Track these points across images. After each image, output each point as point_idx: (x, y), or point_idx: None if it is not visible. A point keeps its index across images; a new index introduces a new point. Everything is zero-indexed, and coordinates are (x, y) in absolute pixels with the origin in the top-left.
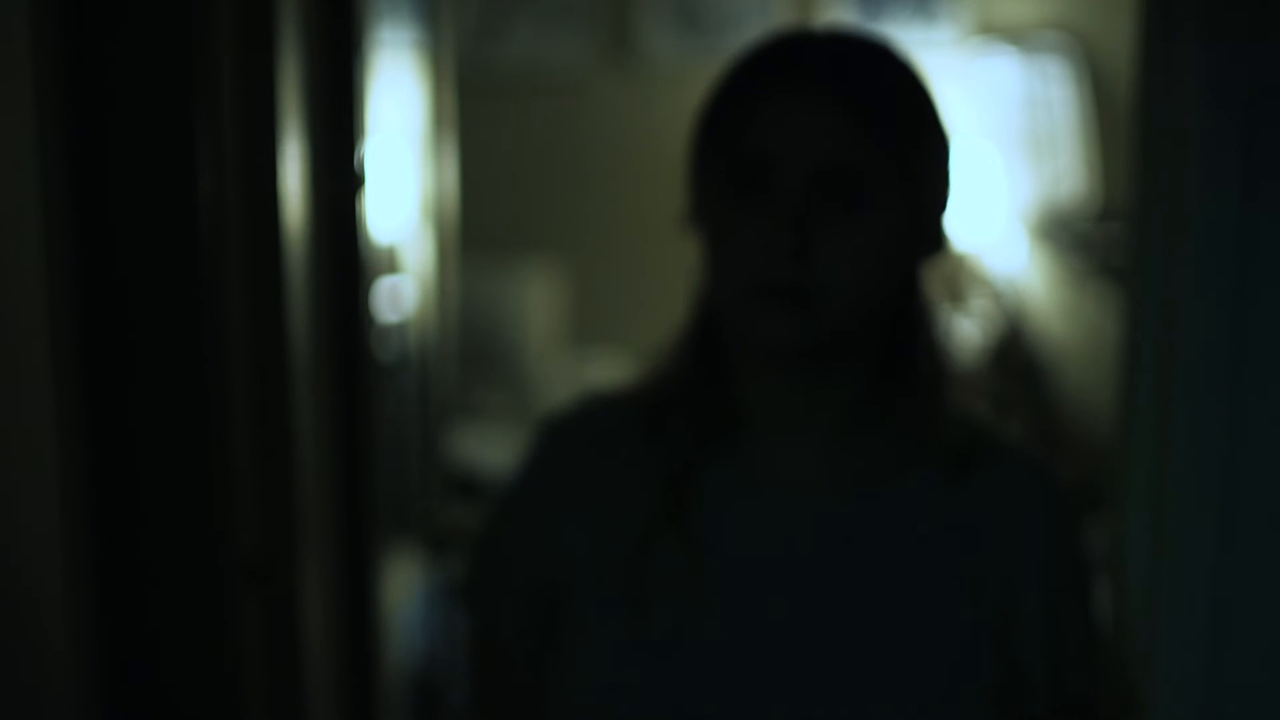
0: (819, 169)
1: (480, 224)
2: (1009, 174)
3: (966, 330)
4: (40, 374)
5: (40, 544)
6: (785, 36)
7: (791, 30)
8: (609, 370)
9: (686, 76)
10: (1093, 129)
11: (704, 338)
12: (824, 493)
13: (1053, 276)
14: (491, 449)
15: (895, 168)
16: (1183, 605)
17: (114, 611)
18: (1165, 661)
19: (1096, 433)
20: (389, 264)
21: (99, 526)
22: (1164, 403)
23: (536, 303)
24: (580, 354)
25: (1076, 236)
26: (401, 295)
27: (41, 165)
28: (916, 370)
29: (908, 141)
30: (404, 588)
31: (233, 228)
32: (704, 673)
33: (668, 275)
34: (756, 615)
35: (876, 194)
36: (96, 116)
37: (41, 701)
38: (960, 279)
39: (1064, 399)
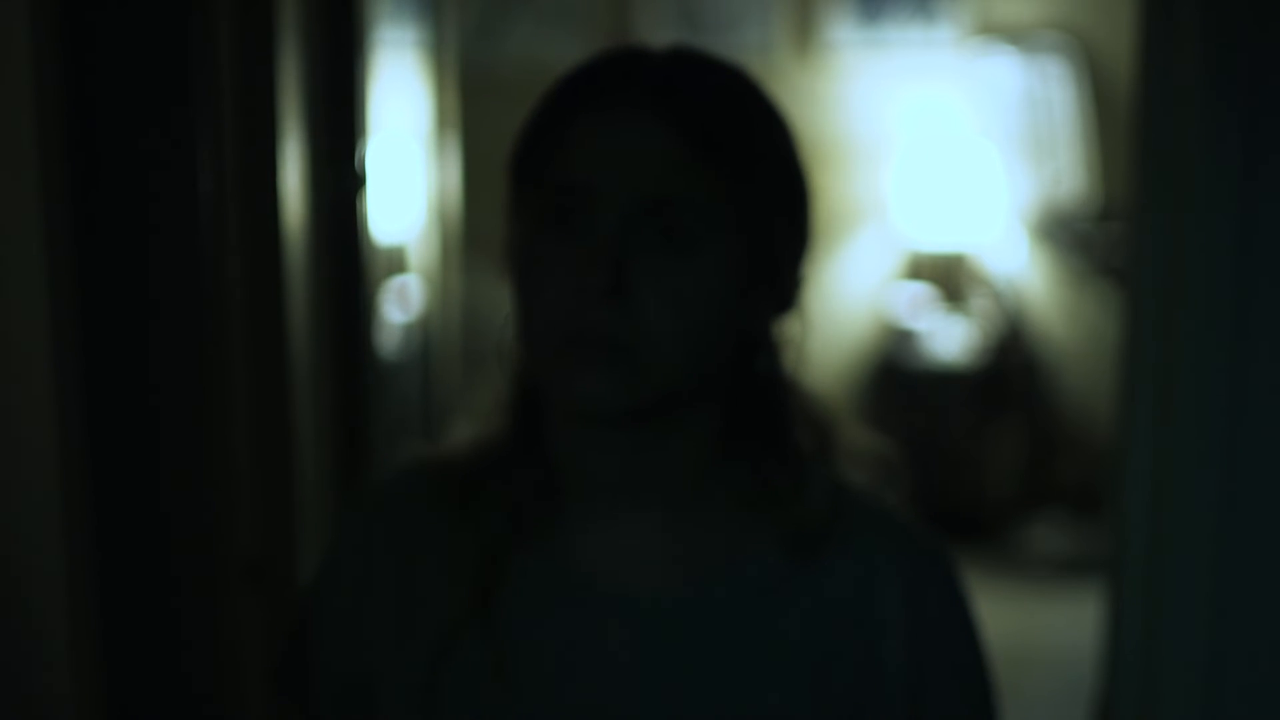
0: (641, 200)
1: (482, 224)
2: (1009, 174)
3: (965, 331)
4: (41, 373)
5: (41, 544)
6: (612, 52)
7: (622, 47)
8: None
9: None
10: (1093, 129)
11: (522, 398)
12: (656, 579)
13: (1053, 276)
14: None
15: (734, 204)
16: (1183, 605)
17: (115, 611)
18: (1165, 662)
19: (1096, 433)
20: (397, 264)
21: (99, 526)
22: (1164, 403)
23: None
24: None
25: (1076, 236)
26: (410, 295)
27: (41, 165)
28: (764, 437)
29: (749, 174)
30: None
31: (233, 228)
32: None
33: None
34: None
35: (711, 232)
36: (96, 116)
37: (43, 700)
38: (960, 279)
39: (1064, 399)
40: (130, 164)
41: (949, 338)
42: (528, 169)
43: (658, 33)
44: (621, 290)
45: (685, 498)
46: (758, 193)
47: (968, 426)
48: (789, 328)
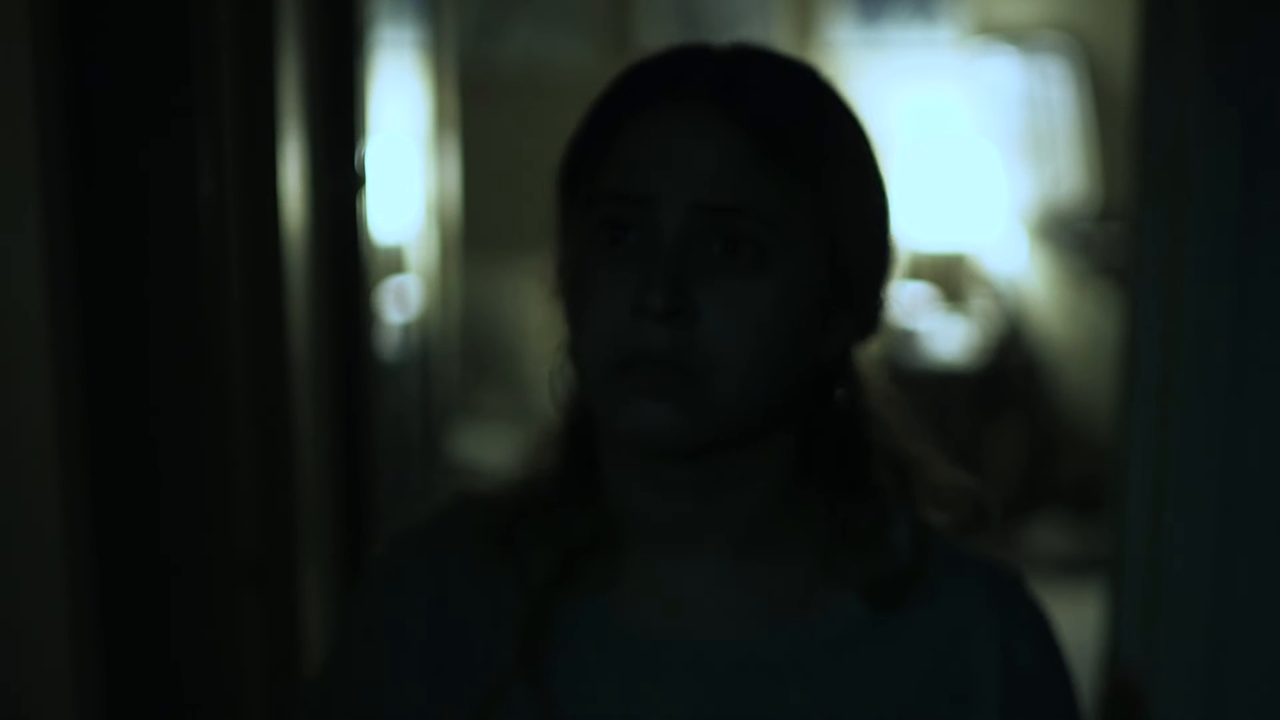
0: (705, 208)
1: (481, 224)
2: (1009, 174)
3: (965, 331)
4: (41, 374)
5: (40, 544)
6: (672, 49)
7: (680, 44)
8: None
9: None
10: (1093, 129)
11: (575, 432)
12: (722, 630)
13: (1053, 276)
14: (492, 449)
15: (811, 213)
16: (1183, 605)
17: (115, 611)
18: (1165, 661)
19: (1096, 433)
20: (395, 264)
21: (99, 526)
22: (1164, 403)
23: (537, 303)
24: None
25: (1076, 236)
26: (408, 295)
27: (42, 166)
28: (842, 476)
29: (827, 180)
30: None
31: (233, 228)
32: None
33: None
34: None
35: (784, 246)
36: (96, 117)
37: (43, 701)
38: (960, 279)
39: (1064, 399)
40: (130, 165)
41: (949, 338)
42: (578, 179)
43: (658, 33)
44: (683, 309)
45: (754, 542)
46: (836, 201)
47: (968, 426)
48: (870, 354)
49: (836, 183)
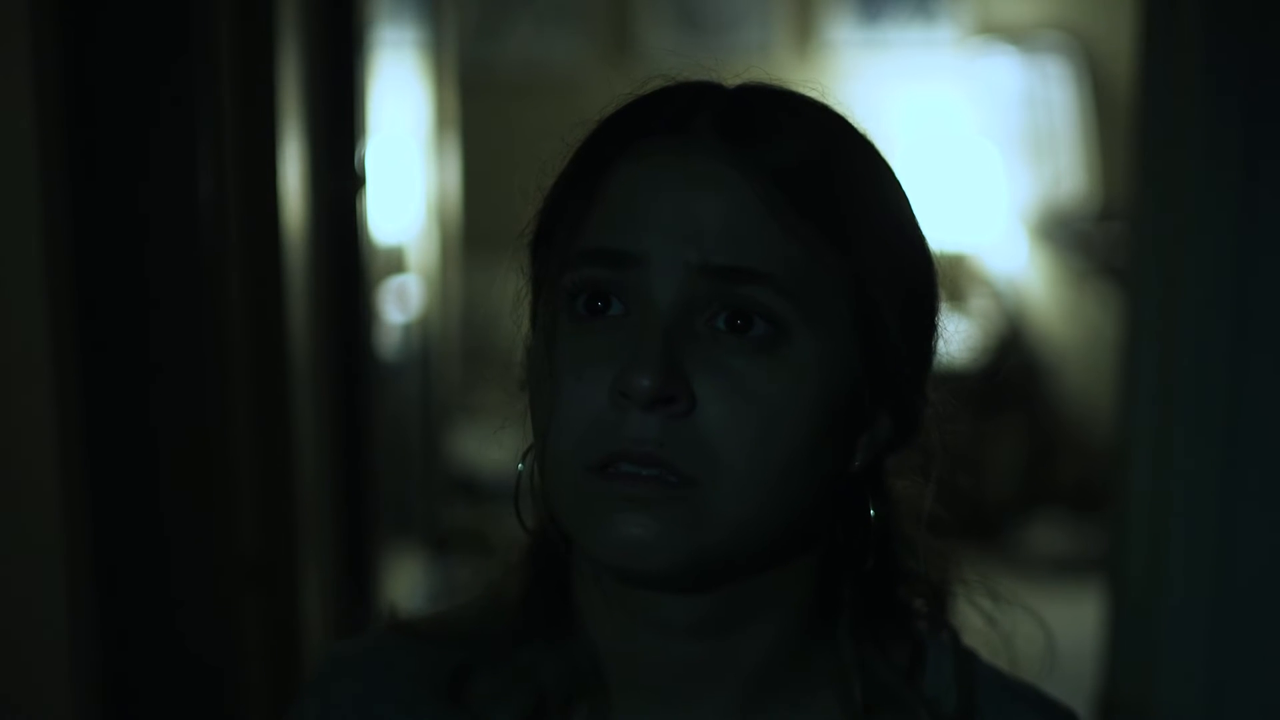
0: (708, 270)
1: (481, 224)
2: (1009, 174)
3: (965, 331)
4: (40, 374)
5: (40, 545)
6: (670, 85)
7: (682, 80)
8: None
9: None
10: (1093, 129)
11: (544, 555)
12: None
13: (1053, 276)
14: (493, 450)
15: (838, 283)
16: (1183, 605)
17: (115, 611)
18: (1165, 663)
19: (1096, 433)
20: (396, 264)
21: (99, 526)
22: (1164, 403)
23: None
24: None
25: (1076, 236)
26: (408, 295)
27: (42, 165)
28: (871, 609)
29: (861, 242)
30: (404, 588)
31: (233, 227)
32: None
33: None
34: None
35: (806, 320)
36: (96, 117)
37: (43, 701)
38: (960, 279)
39: (1064, 399)
40: (130, 163)
41: (949, 338)
42: (552, 242)
43: (658, 33)
44: (677, 396)
45: (766, 693)
46: (871, 268)
47: (967, 427)
48: (909, 462)
49: (872, 245)
